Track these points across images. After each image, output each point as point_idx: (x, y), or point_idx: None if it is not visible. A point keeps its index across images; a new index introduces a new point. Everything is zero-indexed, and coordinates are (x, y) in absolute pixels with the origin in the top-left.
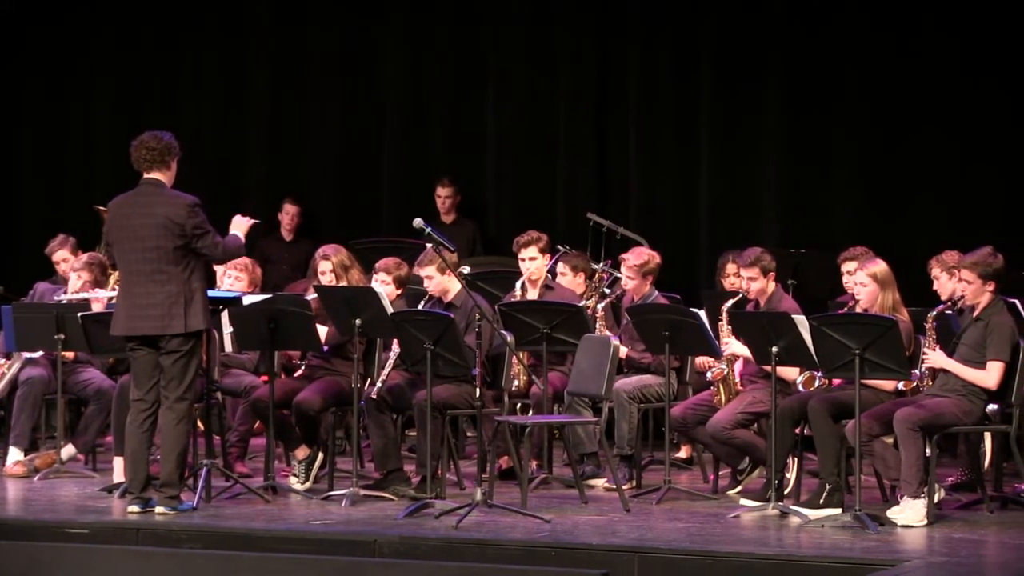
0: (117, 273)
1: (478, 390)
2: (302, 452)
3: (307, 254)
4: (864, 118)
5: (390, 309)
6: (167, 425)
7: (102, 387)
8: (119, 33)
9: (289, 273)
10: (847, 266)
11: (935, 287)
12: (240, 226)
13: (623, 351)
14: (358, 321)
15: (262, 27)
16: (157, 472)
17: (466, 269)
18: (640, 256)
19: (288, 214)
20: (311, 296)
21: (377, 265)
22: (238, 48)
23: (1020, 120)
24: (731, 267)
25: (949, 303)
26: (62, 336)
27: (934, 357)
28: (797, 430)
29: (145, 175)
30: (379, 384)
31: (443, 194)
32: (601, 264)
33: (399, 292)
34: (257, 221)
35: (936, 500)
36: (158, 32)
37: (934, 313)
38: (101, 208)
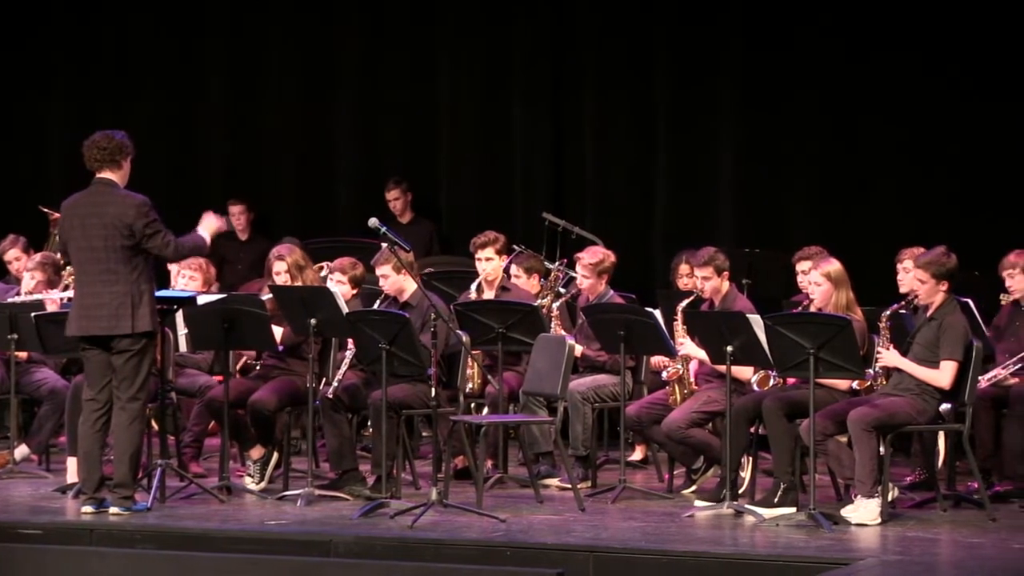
0: (71, 270)
1: (433, 390)
2: (257, 452)
3: (263, 253)
4: (819, 119)
5: (345, 309)
6: (120, 425)
7: (56, 387)
8: (74, 32)
9: (245, 273)
10: (801, 265)
11: (899, 278)
12: (208, 226)
13: (578, 350)
14: (313, 321)
15: (218, 27)
16: (111, 472)
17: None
18: (595, 255)
19: (233, 215)
20: (266, 296)
21: (332, 265)
22: (192, 48)
23: (975, 119)
24: (684, 267)
25: (904, 303)
26: (15, 336)
27: (888, 356)
28: (752, 429)
29: (97, 175)
30: (335, 384)
31: (391, 197)
32: (556, 263)
33: (354, 292)
34: (224, 226)
35: (890, 499)
36: (114, 32)
37: (888, 312)
38: (47, 210)
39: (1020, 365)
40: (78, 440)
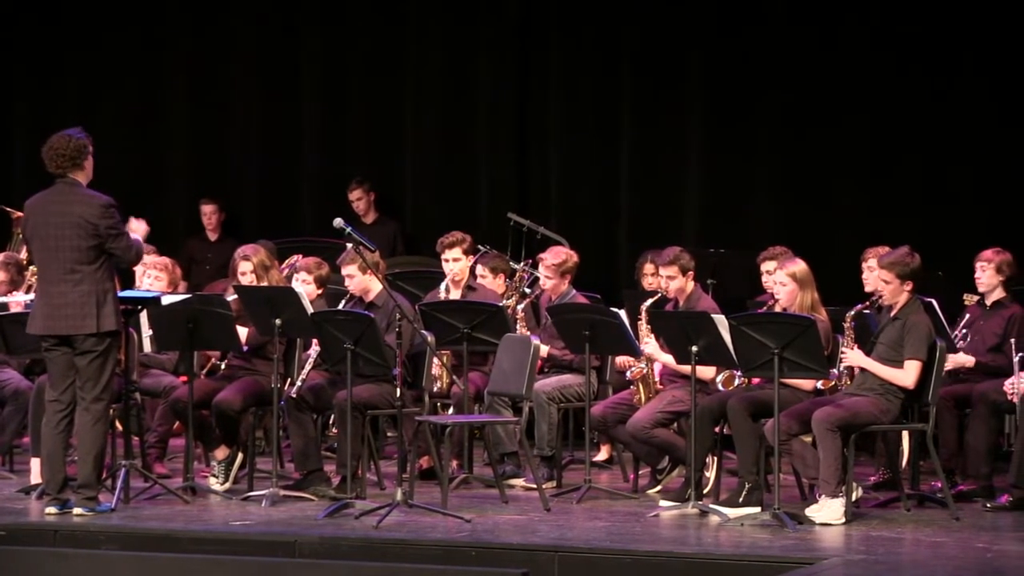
0: (34, 270)
1: (398, 390)
2: (221, 452)
3: (232, 254)
4: (783, 119)
5: (310, 309)
6: (84, 426)
7: (19, 388)
8: (37, 32)
9: (213, 273)
10: (766, 265)
11: (863, 277)
12: (139, 230)
13: (544, 350)
14: (278, 321)
15: (181, 27)
16: (75, 473)
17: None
18: (558, 256)
19: (205, 214)
20: (231, 296)
21: (297, 264)
22: (156, 49)
23: (939, 119)
24: (649, 267)
25: (868, 303)
26: None
27: (852, 356)
28: (717, 429)
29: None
30: (299, 383)
31: (354, 197)
32: (521, 264)
33: (319, 292)
34: (147, 230)
35: (854, 498)
36: (77, 31)
37: (852, 312)
38: (10, 209)
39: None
40: (41, 441)
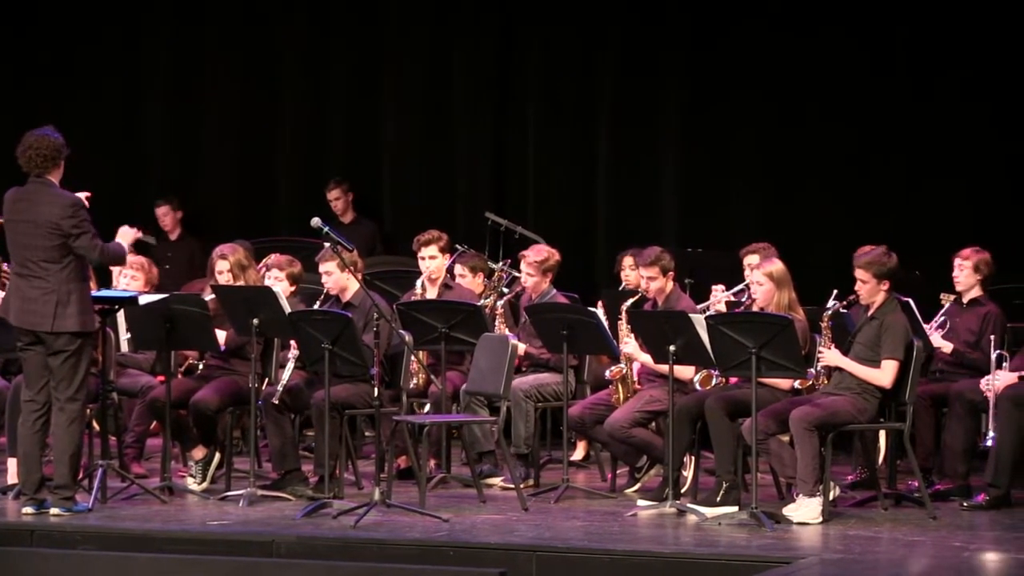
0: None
1: (376, 389)
2: (199, 452)
3: (191, 253)
4: (762, 119)
5: (288, 309)
6: (59, 426)
7: None
8: (13, 31)
9: (174, 272)
10: (749, 259)
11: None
12: (125, 236)
13: (522, 348)
14: (256, 321)
15: (160, 26)
16: (51, 473)
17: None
18: (540, 253)
19: (158, 217)
20: (209, 296)
21: (270, 262)
22: (134, 48)
23: (919, 120)
24: (628, 260)
25: (845, 303)
26: None
27: (829, 356)
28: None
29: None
30: (280, 389)
31: (332, 197)
32: (500, 263)
33: (292, 289)
34: (140, 235)
35: (831, 498)
36: (54, 30)
37: (829, 312)
38: None
39: (959, 362)
40: (18, 441)
